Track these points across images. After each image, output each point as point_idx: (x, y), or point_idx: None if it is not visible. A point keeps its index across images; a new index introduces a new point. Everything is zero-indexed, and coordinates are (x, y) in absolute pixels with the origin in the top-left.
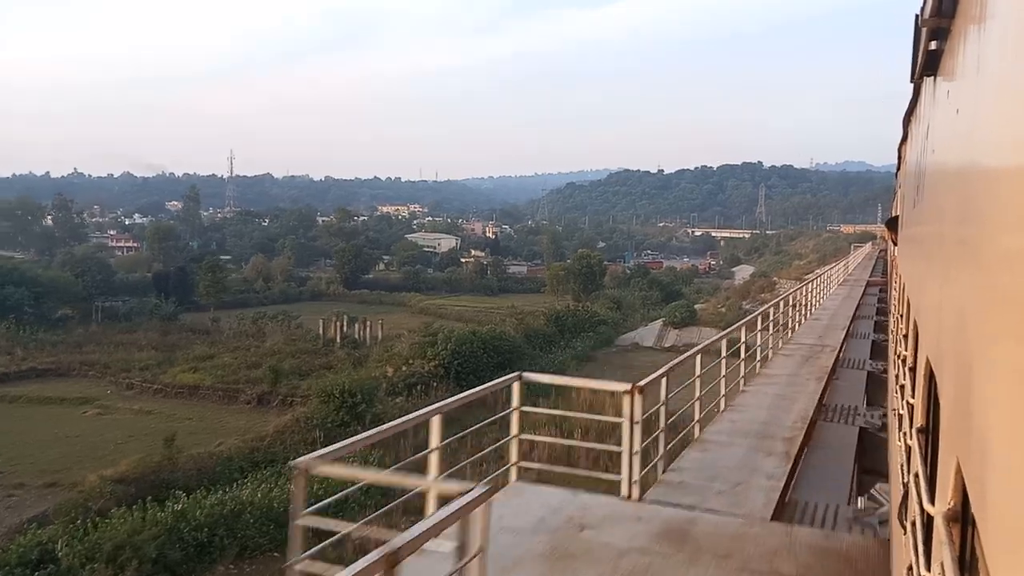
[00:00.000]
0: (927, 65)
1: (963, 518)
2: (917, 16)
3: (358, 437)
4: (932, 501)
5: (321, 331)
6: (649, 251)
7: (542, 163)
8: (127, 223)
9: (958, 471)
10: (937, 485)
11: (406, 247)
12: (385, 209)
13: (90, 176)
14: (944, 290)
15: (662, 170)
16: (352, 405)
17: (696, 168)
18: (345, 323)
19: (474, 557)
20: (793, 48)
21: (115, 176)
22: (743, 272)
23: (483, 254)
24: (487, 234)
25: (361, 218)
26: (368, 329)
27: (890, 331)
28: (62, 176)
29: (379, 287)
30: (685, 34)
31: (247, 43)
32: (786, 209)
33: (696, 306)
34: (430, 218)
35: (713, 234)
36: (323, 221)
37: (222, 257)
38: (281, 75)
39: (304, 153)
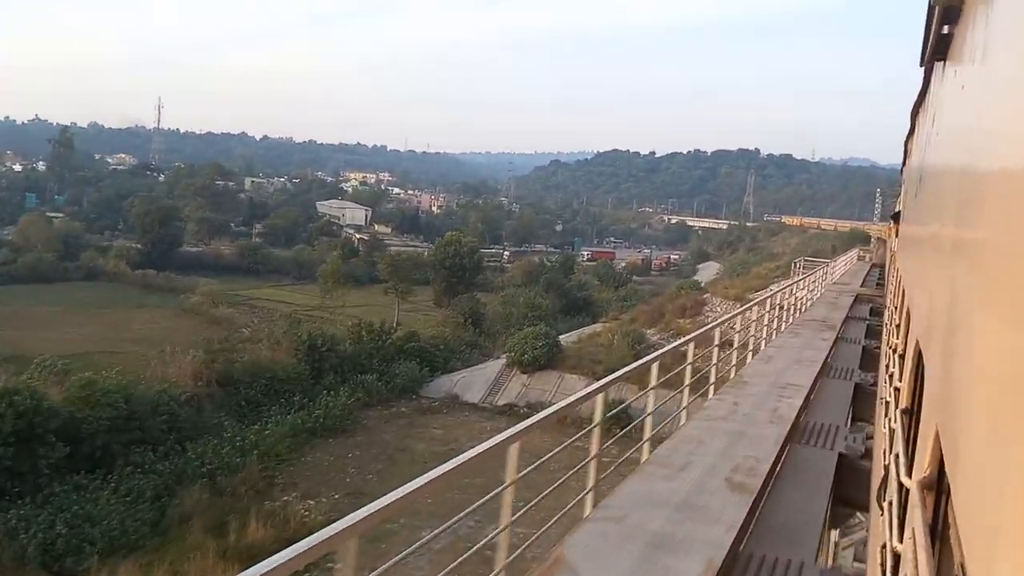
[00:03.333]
0: (937, 49)
1: (938, 487)
2: None
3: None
4: (909, 474)
5: None
6: (613, 239)
7: (542, 142)
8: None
9: (936, 439)
10: (915, 458)
11: (280, 216)
12: (351, 175)
13: (55, 124)
14: (938, 270)
15: (653, 152)
16: None
17: (689, 152)
18: None
19: None
20: (803, 37)
21: (79, 125)
22: (708, 270)
23: (388, 230)
24: (432, 208)
25: (267, 180)
26: None
27: (884, 324)
28: (24, 121)
29: (204, 267)
30: (695, 17)
31: (245, 12)
32: (778, 200)
33: (589, 329)
34: (395, 188)
35: (689, 223)
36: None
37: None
38: (285, 42)
39: (295, 117)
